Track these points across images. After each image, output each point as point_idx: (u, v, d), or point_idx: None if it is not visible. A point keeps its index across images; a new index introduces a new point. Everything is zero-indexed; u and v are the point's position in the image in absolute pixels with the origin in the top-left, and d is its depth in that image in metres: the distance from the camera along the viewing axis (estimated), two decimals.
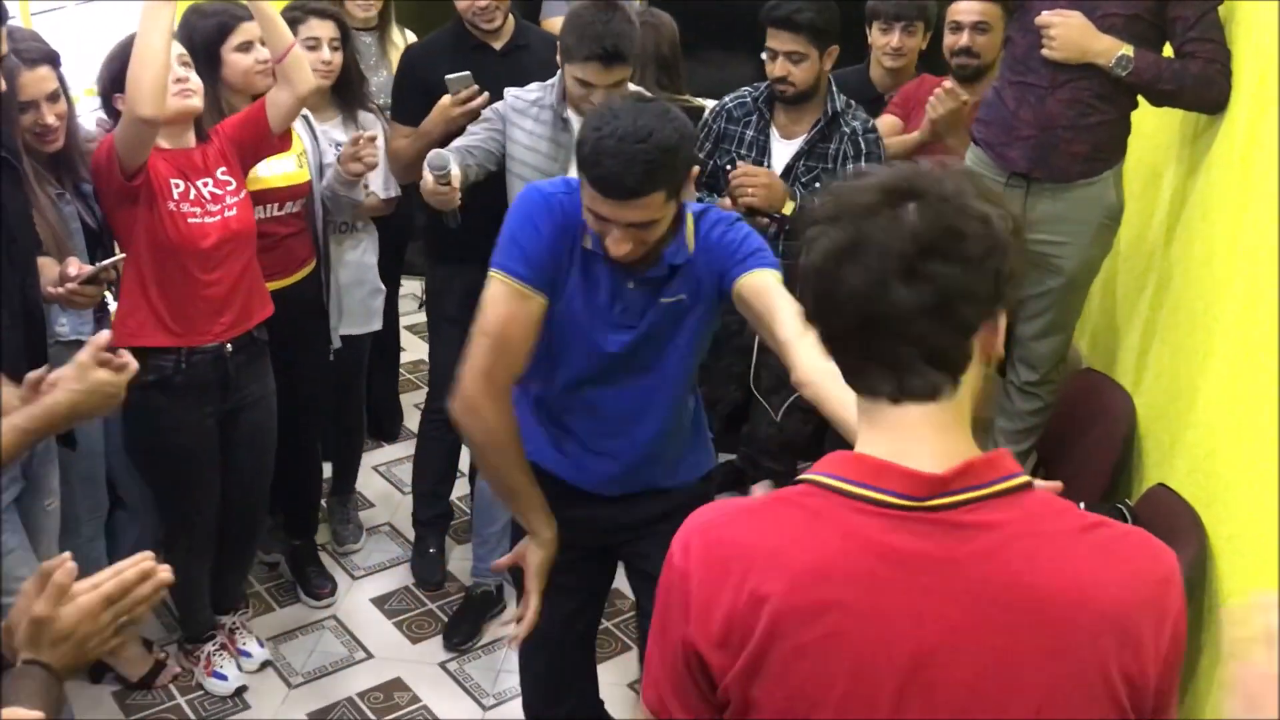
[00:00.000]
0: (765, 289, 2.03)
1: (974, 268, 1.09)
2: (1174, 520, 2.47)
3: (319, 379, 3.33)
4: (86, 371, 1.82)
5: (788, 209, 3.06)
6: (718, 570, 1.13)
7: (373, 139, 3.15)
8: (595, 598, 2.50)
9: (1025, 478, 1.14)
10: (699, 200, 3.16)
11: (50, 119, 2.61)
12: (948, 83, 3.22)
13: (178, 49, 2.63)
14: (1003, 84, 2.96)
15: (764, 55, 3.10)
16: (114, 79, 2.64)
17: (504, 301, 2.05)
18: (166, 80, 2.48)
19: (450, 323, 3.22)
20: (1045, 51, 2.77)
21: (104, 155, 2.58)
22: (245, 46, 2.92)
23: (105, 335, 1.88)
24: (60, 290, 2.38)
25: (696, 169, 2.06)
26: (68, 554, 1.35)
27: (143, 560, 1.39)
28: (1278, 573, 2.04)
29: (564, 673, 2.47)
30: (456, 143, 2.84)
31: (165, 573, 1.41)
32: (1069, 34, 2.73)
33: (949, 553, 1.10)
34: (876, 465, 1.12)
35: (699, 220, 2.15)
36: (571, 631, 2.43)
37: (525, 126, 2.85)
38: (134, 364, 1.90)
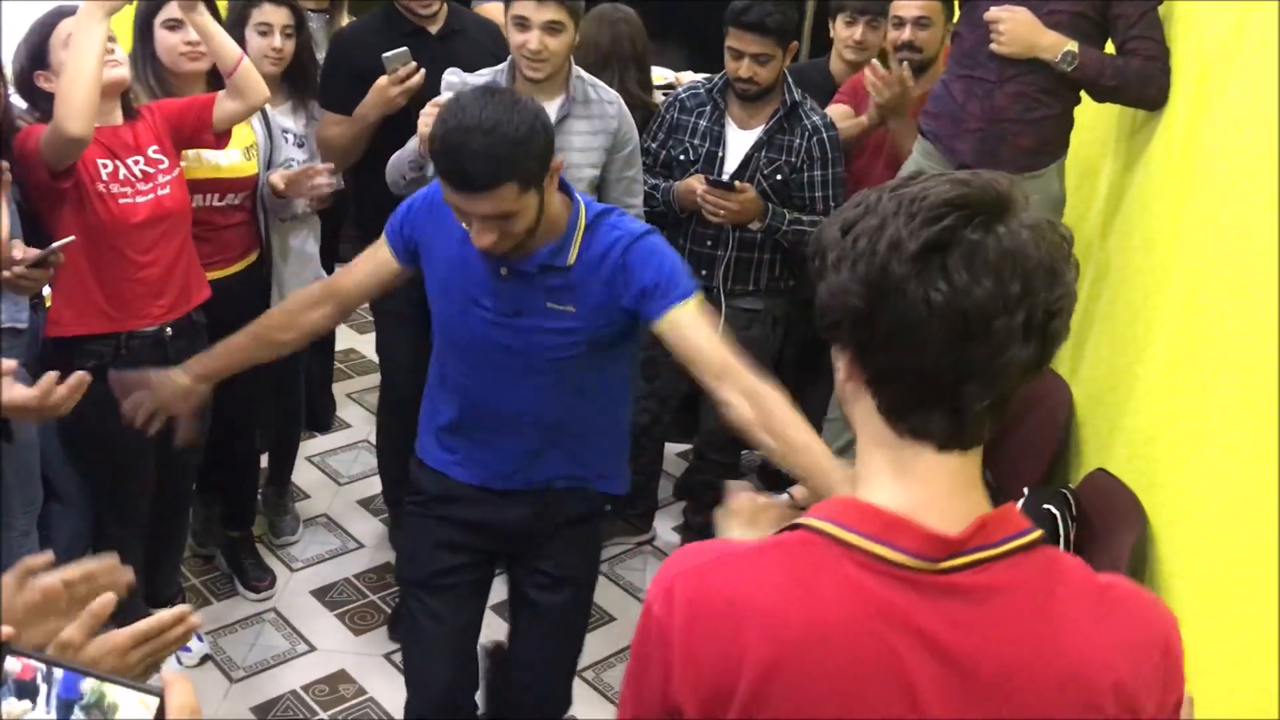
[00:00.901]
0: (683, 330, 2.05)
1: (1069, 309, 1.01)
2: (1115, 504, 2.54)
3: (258, 371, 3.25)
4: None
5: (755, 225, 3.12)
6: (705, 626, 1.03)
7: (329, 170, 3.09)
8: (483, 602, 2.49)
9: (1037, 534, 1.06)
10: (654, 186, 3.19)
11: None
12: (877, 64, 3.25)
13: None
14: (951, 77, 3.01)
15: (727, 53, 3.13)
16: (32, 55, 2.56)
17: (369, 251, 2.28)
18: (97, 99, 2.41)
19: (396, 317, 3.20)
20: (993, 46, 2.82)
21: (30, 149, 2.49)
22: (172, 24, 2.85)
23: (9, 364, 1.83)
24: (6, 274, 2.30)
25: (560, 160, 2.03)
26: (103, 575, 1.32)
27: (181, 610, 1.36)
28: (1216, 556, 2.11)
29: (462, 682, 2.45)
30: (411, 143, 2.80)
31: (197, 618, 1.39)
32: (1016, 29, 2.79)
33: (958, 619, 1.01)
34: (890, 519, 1.02)
35: (596, 226, 2.11)
36: (468, 638, 2.44)
37: None
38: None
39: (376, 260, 2.26)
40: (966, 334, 0.97)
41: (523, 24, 2.77)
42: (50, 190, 2.52)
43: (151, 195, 2.65)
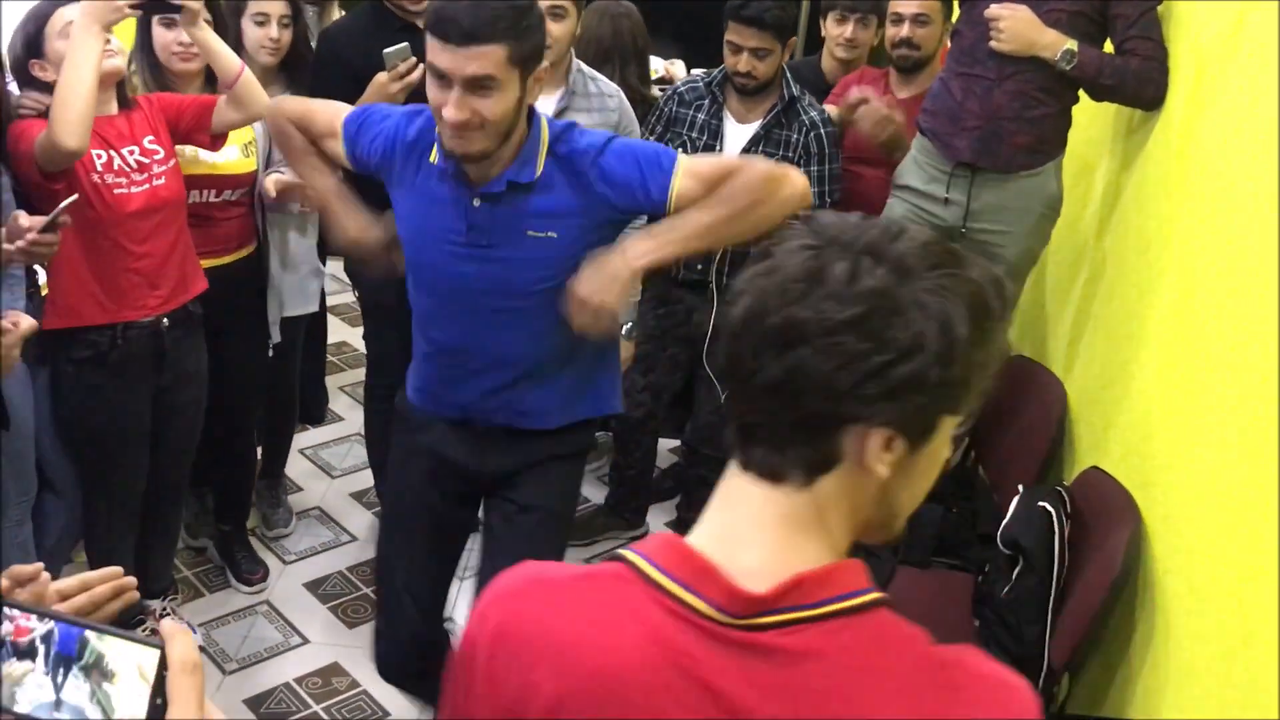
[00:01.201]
0: (691, 185, 2.05)
1: (847, 357, 0.91)
2: (1110, 502, 2.55)
3: (254, 363, 3.25)
4: None
5: None
6: (507, 653, 1.00)
7: (289, 190, 3.06)
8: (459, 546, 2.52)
9: (870, 597, 0.96)
10: None
11: None
12: (873, 101, 3.24)
13: None
14: (949, 75, 3.01)
15: (726, 48, 3.13)
16: (28, 44, 2.54)
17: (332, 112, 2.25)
18: (92, 113, 2.40)
19: (384, 309, 3.21)
20: (993, 44, 2.83)
21: (23, 150, 2.47)
22: (167, 22, 2.82)
23: None
24: (20, 244, 2.28)
25: (547, 65, 2.03)
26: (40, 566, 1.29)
27: (113, 574, 1.33)
28: (1212, 553, 2.13)
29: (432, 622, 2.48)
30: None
31: (134, 592, 1.36)
32: (1017, 26, 2.80)
33: (759, 680, 0.93)
34: (701, 565, 0.96)
35: (557, 143, 2.08)
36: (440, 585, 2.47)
37: None
38: (27, 324, 1.78)
39: (333, 141, 2.25)
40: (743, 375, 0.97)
41: None
42: (43, 188, 2.50)
43: (146, 185, 2.64)
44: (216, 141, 2.82)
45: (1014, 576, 2.60)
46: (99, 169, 2.57)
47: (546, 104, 2.94)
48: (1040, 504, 2.61)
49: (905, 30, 3.32)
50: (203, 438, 3.05)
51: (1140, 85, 2.73)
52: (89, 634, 0.78)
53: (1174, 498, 2.34)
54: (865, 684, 0.93)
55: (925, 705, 0.93)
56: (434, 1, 1.93)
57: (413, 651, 2.45)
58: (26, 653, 0.78)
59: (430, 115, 2.05)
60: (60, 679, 0.78)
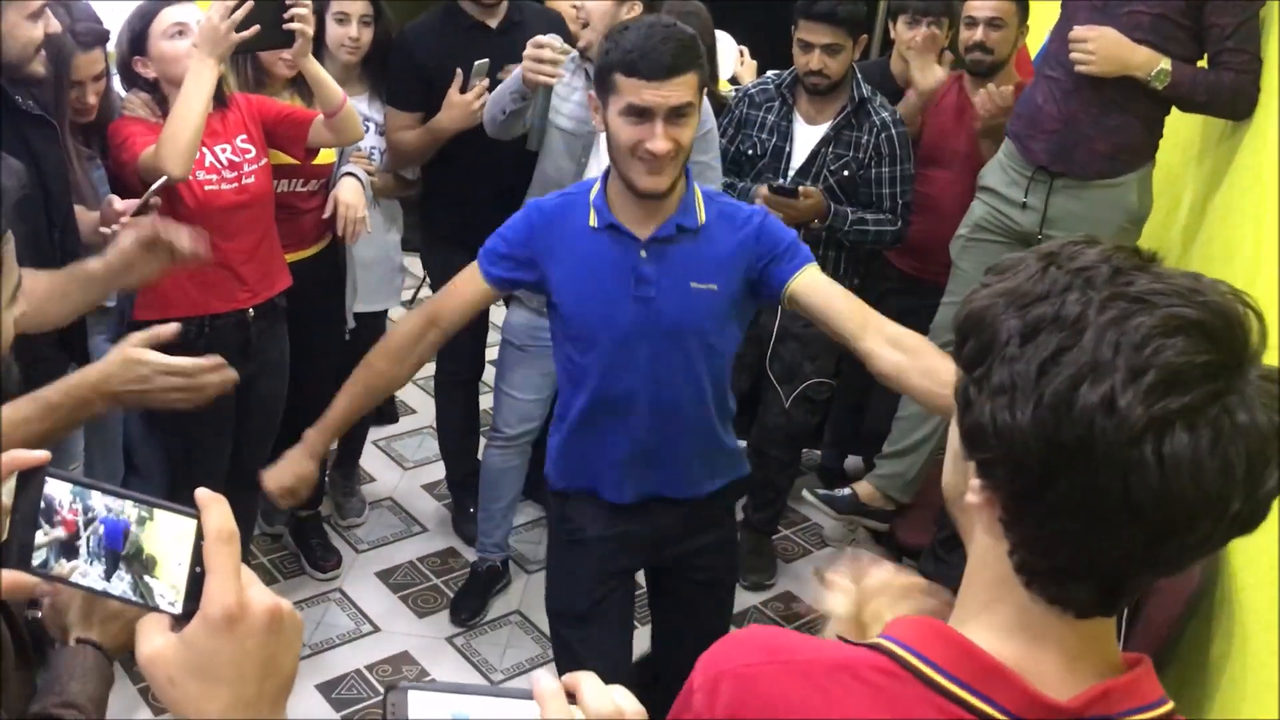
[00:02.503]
0: (818, 286, 2.12)
1: None
2: None
3: (331, 353, 3.31)
4: (129, 353, 1.68)
5: (815, 224, 3.12)
6: None
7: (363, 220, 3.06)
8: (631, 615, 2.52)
9: (1168, 707, 0.87)
10: (729, 185, 3.22)
11: (91, 98, 2.61)
12: (992, 88, 3.22)
13: (199, 14, 2.59)
14: (1038, 76, 3.00)
15: (796, 47, 3.13)
16: (133, 41, 2.61)
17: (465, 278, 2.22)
18: (198, 143, 2.47)
19: None
20: (1081, 68, 2.77)
21: (126, 158, 2.55)
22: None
23: (171, 327, 1.78)
24: (114, 228, 2.35)
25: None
26: None
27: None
28: None
29: None
30: (510, 81, 2.89)
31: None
32: (1106, 49, 2.73)
33: None
34: (990, 666, 0.84)
35: (708, 197, 2.19)
36: (627, 660, 2.47)
37: (562, 81, 2.94)
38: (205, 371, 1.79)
39: (474, 289, 2.22)
40: (1167, 531, 0.79)
41: None
42: (138, 188, 2.58)
43: (236, 183, 2.70)
44: (310, 155, 2.89)
45: None
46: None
47: None
48: None
49: (979, 34, 3.29)
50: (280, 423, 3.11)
51: (1234, 100, 2.68)
52: (129, 514, 0.79)
53: None
54: None
55: None
56: (616, 47, 2.01)
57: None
58: (71, 549, 0.80)
59: (563, 194, 2.21)
60: (105, 572, 0.80)
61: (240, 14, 2.41)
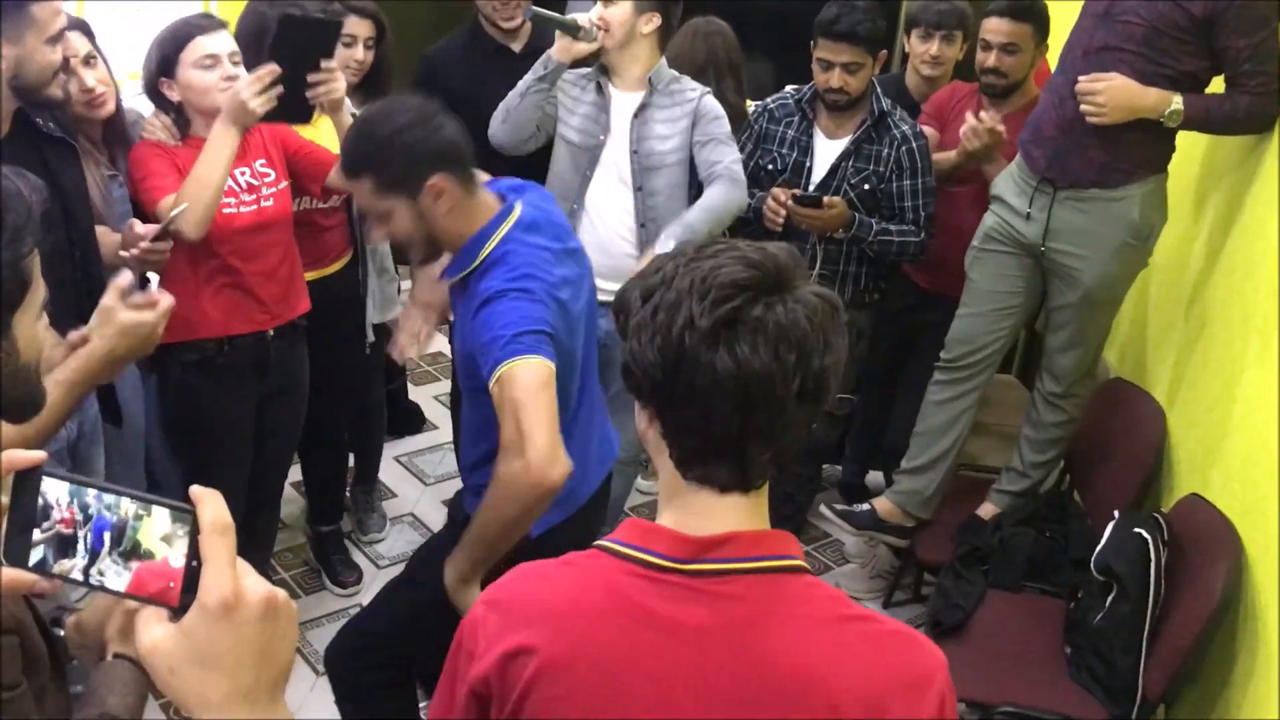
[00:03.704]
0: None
1: (838, 371, 1.14)
2: (1209, 530, 2.49)
3: (353, 369, 3.34)
4: (113, 314, 1.78)
5: (839, 235, 3.13)
6: (499, 623, 1.19)
7: None
8: None
9: (795, 561, 1.16)
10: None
11: (90, 80, 2.60)
12: (984, 115, 3.22)
13: (230, 46, 2.61)
14: (1048, 85, 2.98)
15: (816, 65, 3.14)
16: (161, 63, 2.61)
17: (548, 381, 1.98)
18: (216, 207, 2.50)
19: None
20: (1094, 119, 2.74)
21: (143, 197, 2.58)
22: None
23: (126, 277, 1.84)
24: (134, 252, 2.38)
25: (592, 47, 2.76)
26: None
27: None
28: None
29: None
30: (541, 63, 2.95)
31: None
32: (1115, 97, 2.70)
33: (696, 620, 1.13)
34: (649, 528, 1.18)
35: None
36: None
37: (570, 92, 3.02)
38: (167, 300, 1.84)
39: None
40: (748, 402, 1.09)
41: None
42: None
43: (255, 206, 2.71)
44: (327, 194, 2.90)
45: (1107, 604, 2.55)
46: None
47: (629, 101, 3.01)
48: (1136, 530, 2.56)
49: (993, 59, 3.27)
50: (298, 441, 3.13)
51: (1250, 121, 2.64)
52: (126, 511, 0.80)
53: (1277, 527, 2.28)
54: (789, 629, 1.13)
55: (841, 649, 1.12)
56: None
57: None
58: (70, 548, 0.81)
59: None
60: (104, 569, 0.81)
61: (270, 93, 2.45)
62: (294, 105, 2.54)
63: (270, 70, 2.45)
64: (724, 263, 1.11)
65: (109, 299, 1.80)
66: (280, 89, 2.46)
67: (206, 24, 2.60)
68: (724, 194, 2.91)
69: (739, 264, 1.11)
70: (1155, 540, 2.53)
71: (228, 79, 2.57)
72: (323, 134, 3.01)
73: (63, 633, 1.37)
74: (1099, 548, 2.62)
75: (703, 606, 1.13)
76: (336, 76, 2.61)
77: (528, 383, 1.91)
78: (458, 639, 1.25)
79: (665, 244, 2.78)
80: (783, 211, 3.08)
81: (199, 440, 2.86)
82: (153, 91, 2.66)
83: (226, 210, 2.66)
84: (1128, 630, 2.50)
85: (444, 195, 2.04)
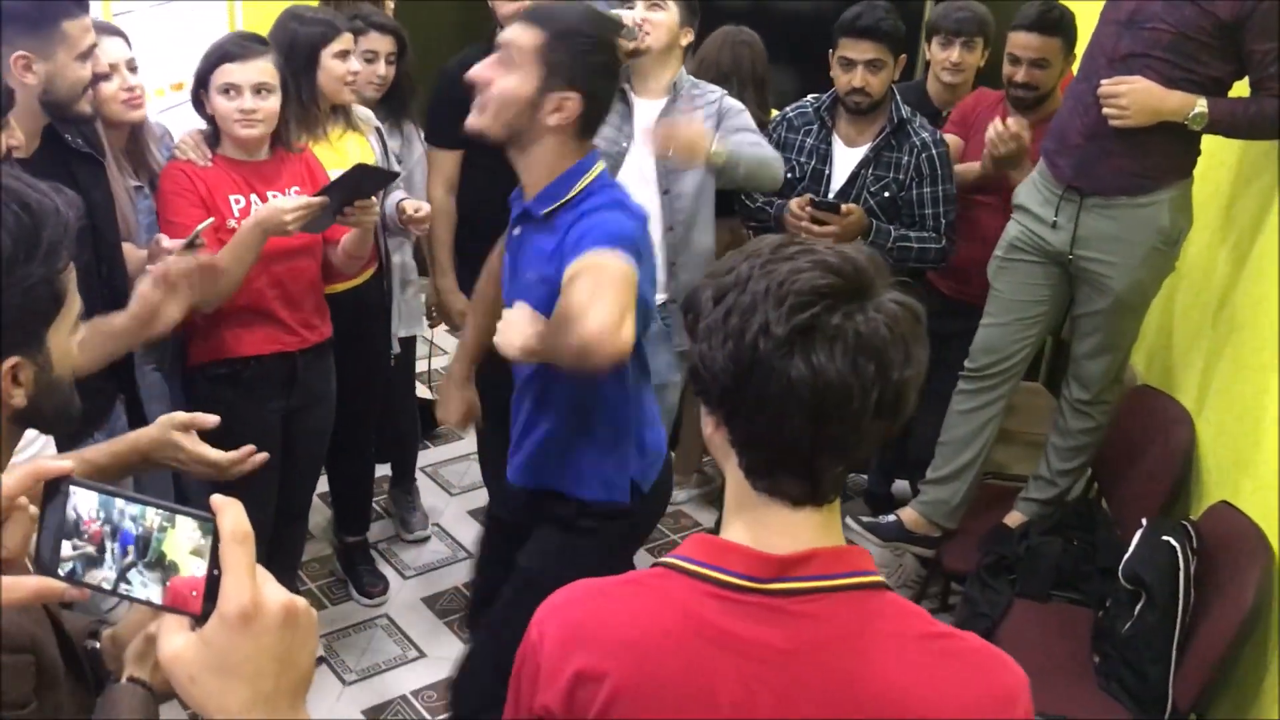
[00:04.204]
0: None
1: (917, 384, 1.09)
2: (1239, 538, 2.47)
3: (376, 380, 3.36)
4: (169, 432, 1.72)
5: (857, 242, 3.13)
6: (566, 645, 1.14)
7: (423, 220, 3.09)
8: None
9: (876, 578, 1.12)
10: (768, 202, 3.25)
11: (132, 80, 2.65)
12: (1011, 121, 3.20)
13: (258, 78, 2.61)
14: (1069, 91, 2.97)
15: (837, 66, 3.14)
16: (200, 76, 2.63)
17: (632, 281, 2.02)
18: (232, 292, 2.55)
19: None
20: (1116, 123, 2.73)
21: (164, 227, 2.60)
22: (343, 54, 2.94)
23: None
24: (160, 267, 2.40)
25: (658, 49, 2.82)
26: None
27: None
28: None
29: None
30: None
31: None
32: (1138, 99, 2.69)
33: (780, 642, 1.08)
34: (722, 545, 1.13)
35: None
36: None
37: None
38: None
39: None
40: (822, 413, 1.05)
41: (630, 1, 2.95)
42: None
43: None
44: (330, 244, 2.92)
45: (1135, 613, 2.53)
46: (235, 215, 2.65)
47: (652, 108, 3.03)
48: (1164, 538, 2.54)
49: (1022, 74, 3.26)
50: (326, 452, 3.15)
51: (1277, 124, 2.62)
52: (151, 521, 0.81)
53: None
54: (873, 648, 1.08)
55: (926, 668, 1.07)
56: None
57: None
58: (97, 557, 0.82)
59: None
60: (129, 578, 0.82)
61: (305, 217, 2.54)
62: (322, 220, 2.63)
63: (321, 203, 2.55)
64: (802, 267, 1.06)
65: (182, 418, 1.74)
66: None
67: (240, 51, 2.60)
68: (772, 151, 2.99)
69: (818, 269, 1.06)
70: (1184, 548, 2.51)
71: (243, 112, 2.60)
72: (349, 151, 3.04)
73: (99, 645, 1.38)
74: (1127, 556, 2.60)
75: (786, 627, 1.09)
76: (372, 211, 2.72)
77: (615, 266, 1.94)
78: (517, 666, 1.21)
79: (718, 146, 2.82)
80: (804, 220, 3.07)
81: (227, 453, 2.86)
82: (195, 100, 2.69)
83: None
84: (1157, 639, 2.47)
85: (564, 111, 2.05)
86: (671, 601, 1.12)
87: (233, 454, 1.75)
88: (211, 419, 1.75)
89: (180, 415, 1.72)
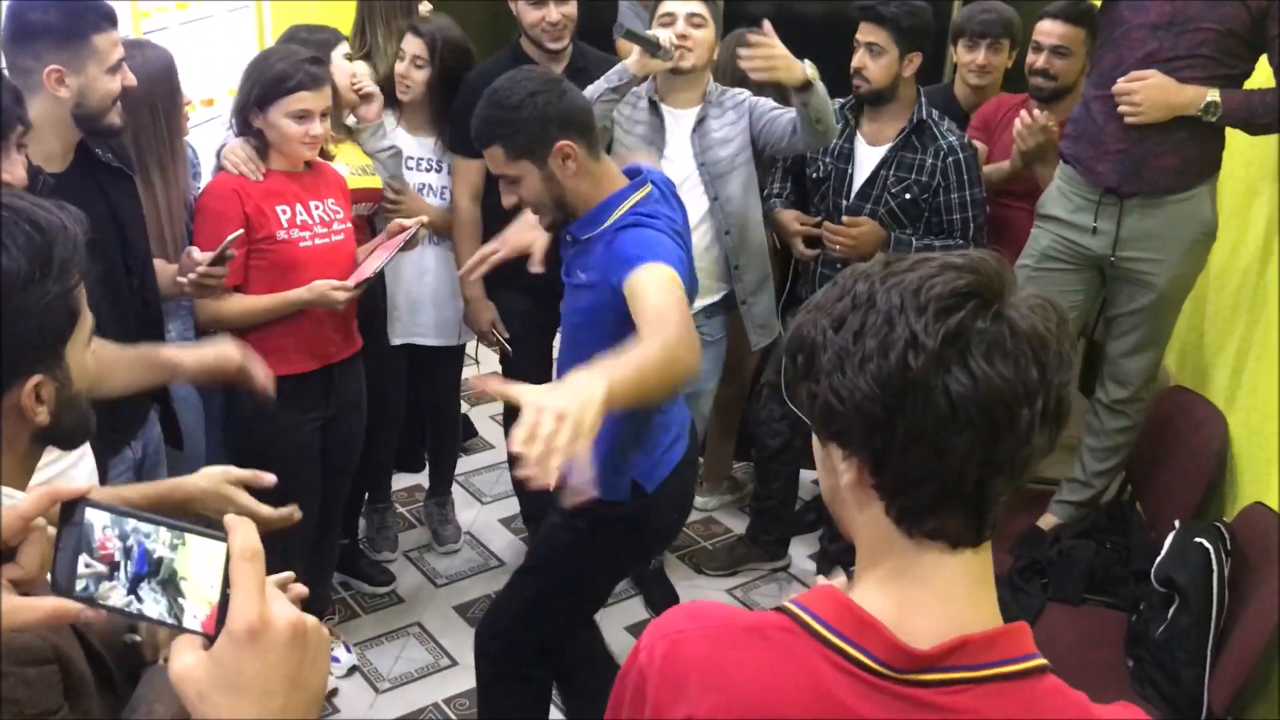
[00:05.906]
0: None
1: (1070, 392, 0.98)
2: (1274, 539, 2.44)
3: (381, 381, 3.33)
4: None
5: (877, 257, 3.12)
6: (676, 684, 1.03)
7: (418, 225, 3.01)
8: None
9: (1036, 662, 0.99)
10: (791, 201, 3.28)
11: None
12: (1037, 112, 3.19)
13: (326, 103, 2.68)
14: (1090, 97, 2.94)
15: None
16: (260, 99, 2.65)
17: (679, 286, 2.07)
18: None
19: (521, 340, 3.40)
20: (1131, 119, 2.77)
21: (195, 237, 2.65)
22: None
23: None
24: (191, 277, 2.44)
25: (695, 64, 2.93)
26: None
27: (288, 575, 1.41)
28: None
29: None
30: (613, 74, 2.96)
31: (303, 588, 1.43)
32: (1151, 95, 2.73)
33: None
34: (861, 618, 0.98)
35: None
36: None
37: (624, 112, 3.09)
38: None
39: None
40: (993, 429, 0.92)
41: (669, 19, 2.99)
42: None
43: (327, 239, 2.77)
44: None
45: (1169, 616, 2.51)
46: (284, 224, 2.71)
47: (686, 118, 3.08)
48: (1197, 540, 2.51)
49: (1043, 60, 3.25)
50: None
51: None
52: (163, 540, 0.83)
53: None
54: None
55: None
56: None
57: None
58: (112, 576, 0.84)
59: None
60: (142, 596, 0.83)
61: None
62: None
63: (370, 279, 2.76)
64: (931, 272, 0.95)
65: (237, 474, 1.75)
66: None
67: (311, 82, 2.65)
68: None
69: (950, 271, 0.95)
70: (1217, 550, 2.49)
71: (311, 136, 2.67)
72: (341, 168, 3.06)
73: (139, 638, 1.40)
74: (1159, 559, 2.58)
75: None
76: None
77: (665, 276, 2.01)
78: (619, 683, 1.11)
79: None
80: (851, 231, 3.12)
81: (269, 466, 2.86)
82: (240, 115, 2.73)
83: (303, 244, 2.73)
84: (1191, 642, 2.45)
85: (571, 158, 2.19)
86: (801, 668, 0.98)
87: (281, 511, 1.75)
88: (269, 478, 1.77)
89: (236, 471, 1.74)
